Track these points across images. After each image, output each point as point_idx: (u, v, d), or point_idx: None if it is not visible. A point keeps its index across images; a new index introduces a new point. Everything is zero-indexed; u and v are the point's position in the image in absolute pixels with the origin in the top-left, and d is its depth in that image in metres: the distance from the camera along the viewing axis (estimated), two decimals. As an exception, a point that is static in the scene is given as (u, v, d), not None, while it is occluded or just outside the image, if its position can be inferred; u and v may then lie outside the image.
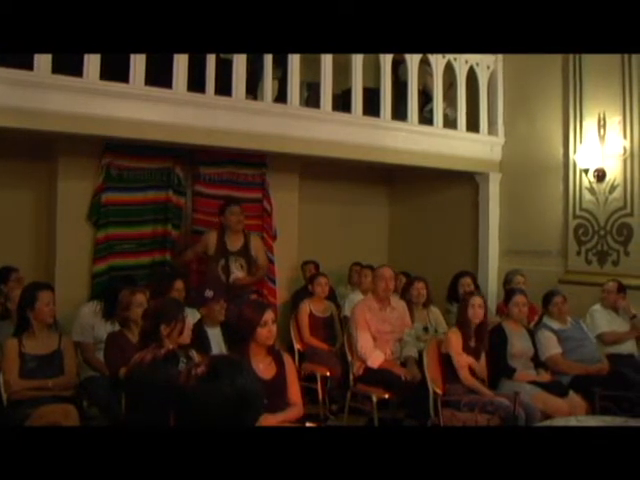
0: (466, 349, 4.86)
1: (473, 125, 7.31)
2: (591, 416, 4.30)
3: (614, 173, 6.41)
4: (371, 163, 7.18)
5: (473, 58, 7.21)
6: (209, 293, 4.81)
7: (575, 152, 6.70)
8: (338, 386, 5.91)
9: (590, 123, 6.57)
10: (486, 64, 7.35)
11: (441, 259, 7.57)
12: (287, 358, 3.89)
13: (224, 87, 5.76)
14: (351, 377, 5.47)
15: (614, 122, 6.38)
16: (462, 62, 7.14)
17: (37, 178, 6.33)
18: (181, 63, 5.49)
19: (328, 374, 5.81)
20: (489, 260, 7.47)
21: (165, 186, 6.70)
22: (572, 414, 4.38)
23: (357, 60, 6.40)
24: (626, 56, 6.22)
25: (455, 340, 4.85)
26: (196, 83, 5.62)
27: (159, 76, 5.43)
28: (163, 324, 3.60)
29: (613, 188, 6.42)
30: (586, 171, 6.58)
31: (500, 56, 7.39)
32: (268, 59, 5.89)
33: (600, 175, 6.48)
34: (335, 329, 6.41)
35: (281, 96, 6.26)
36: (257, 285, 6.82)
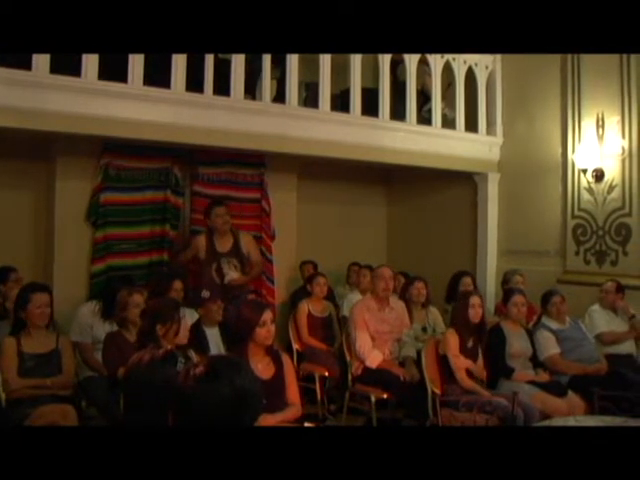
0: (464, 350, 4.86)
1: (472, 125, 7.32)
2: (590, 416, 4.30)
3: (612, 173, 6.42)
4: (370, 163, 7.19)
5: (472, 58, 7.21)
6: (206, 294, 4.81)
7: (573, 152, 6.71)
8: (336, 386, 5.91)
9: (589, 123, 6.57)
10: (485, 64, 7.36)
11: (440, 259, 7.57)
12: (286, 358, 3.89)
13: (222, 87, 5.76)
14: (350, 377, 5.47)
15: (613, 122, 6.39)
16: (461, 62, 7.14)
17: (35, 178, 6.33)
18: (180, 63, 5.49)
19: (326, 374, 5.81)
20: (488, 260, 7.47)
21: (163, 186, 6.70)
22: (571, 414, 4.38)
23: (356, 60, 6.40)
24: (625, 56, 6.23)
25: (452, 342, 4.85)
26: (194, 83, 5.61)
27: (157, 76, 5.43)
28: (159, 324, 3.61)
29: (611, 188, 6.42)
30: (584, 171, 6.59)
31: (499, 56, 7.39)
32: (267, 59, 5.89)
33: (598, 175, 6.49)
34: (334, 329, 6.42)
35: (280, 96, 6.26)
36: (255, 285, 6.83)
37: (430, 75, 7.04)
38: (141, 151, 6.41)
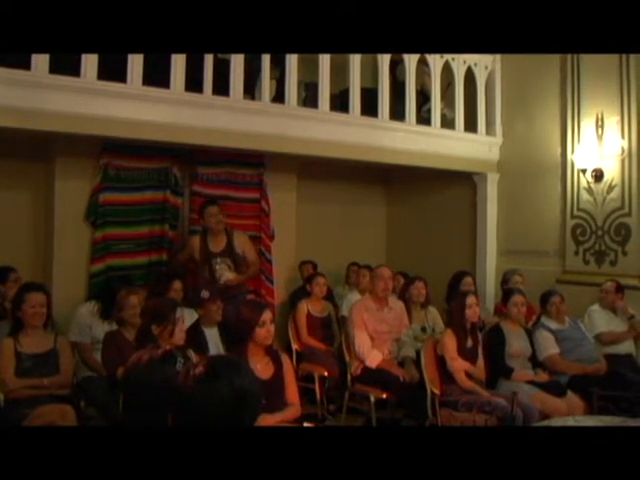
0: (462, 351, 4.86)
1: (471, 125, 7.32)
2: (589, 416, 4.30)
3: (612, 173, 6.42)
4: (369, 163, 7.19)
5: (471, 58, 7.21)
6: (205, 294, 4.81)
7: (573, 152, 6.71)
8: (336, 386, 5.91)
9: (588, 123, 6.57)
10: (484, 64, 7.36)
11: (439, 259, 7.57)
12: (285, 358, 3.88)
13: (222, 87, 5.76)
14: (349, 377, 5.47)
15: (612, 122, 6.39)
16: (460, 62, 7.14)
17: (35, 178, 6.33)
18: (179, 63, 5.49)
19: (326, 374, 5.81)
20: (487, 260, 7.47)
21: (163, 186, 6.70)
22: (570, 414, 4.37)
23: (355, 60, 6.40)
24: (624, 56, 6.23)
25: (450, 344, 4.85)
26: (194, 83, 5.61)
27: (157, 76, 5.43)
28: (154, 324, 3.61)
29: (611, 188, 6.42)
30: (584, 171, 6.59)
31: (498, 56, 7.40)
32: (266, 59, 5.88)
33: (598, 175, 6.49)
34: (333, 329, 6.42)
35: (279, 96, 6.26)
36: (255, 285, 6.84)
37: (429, 75, 7.04)
38: (140, 151, 6.41)
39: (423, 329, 5.74)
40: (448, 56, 7.02)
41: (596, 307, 5.94)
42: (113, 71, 5.21)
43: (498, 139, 7.49)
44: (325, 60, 6.21)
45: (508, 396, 4.46)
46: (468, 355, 4.89)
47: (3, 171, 6.03)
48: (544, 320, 5.46)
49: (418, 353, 5.17)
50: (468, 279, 6.37)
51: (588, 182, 6.58)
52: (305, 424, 3.89)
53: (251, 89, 6.20)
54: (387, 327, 5.52)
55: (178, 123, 5.57)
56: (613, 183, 6.41)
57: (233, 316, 3.87)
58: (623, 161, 6.34)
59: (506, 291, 5.71)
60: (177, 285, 5.29)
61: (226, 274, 5.93)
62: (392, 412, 5.56)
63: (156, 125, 5.49)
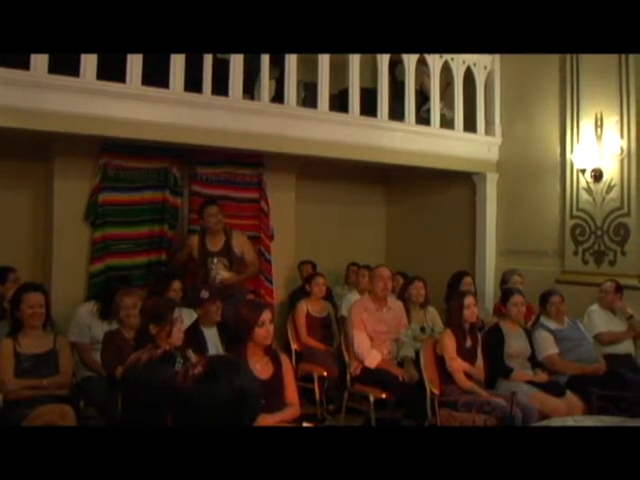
0: (462, 351, 4.87)
1: (470, 125, 7.32)
2: (588, 416, 4.30)
3: (611, 173, 6.42)
4: (368, 163, 7.18)
5: (470, 58, 7.22)
6: (205, 294, 4.80)
7: (572, 152, 6.71)
8: (335, 386, 5.91)
9: (587, 123, 6.57)
10: (483, 64, 7.36)
11: (438, 259, 7.57)
12: (284, 358, 3.88)
13: (221, 87, 5.76)
14: (348, 377, 5.47)
15: (611, 122, 6.39)
16: (459, 62, 7.14)
17: (34, 178, 6.33)
18: (178, 63, 5.49)
19: (325, 374, 5.81)
20: (486, 260, 7.48)
21: (162, 186, 6.70)
22: (569, 414, 4.38)
23: (354, 60, 6.40)
24: (623, 56, 6.23)
25: (449, 344, 4.85)
26: (193, 83, 5.61)
27: (156, 76, 5.42)
28: (152, 324, 3.61)
29: (610, 188, 6.43)
30: (583, 171, 6.59)
31: (497, 56, 7.40)
32: (265, 59, 5.88)
33: (597, 175, 6.49)
34: (332, 329, 6.42)
35: (278, 96, 6.26)
36: (254, 285, 6.83)
37: (429, 75, 7.04)
38: (140, 151, 6.41)
39: (422, 329, 5.74)
40: (447, 56, 7.02)
41: (595, 307, 5.93)
42: (112, 71, 5.21)
43: (497, 139, 7.49)
44: (324, 60, 6.21)
45: (507, 396, 4.46)
46: (467, 355, 4.90)
47: (2, 171, 6.03)
48: (543, 320, 5.46)
49: (417, 353, 5.17)
50: (468, 279, 6.37)
51: (587, 182, 6.58)
52: (304, 424, 3.89)
53: (250, 89, 6.20)
54: (386, 327, 5.52)
55: (177, 123, 5.57)
56: (612, 183, 6.41)
57: (232, 316, 3.87)
58: (622, 161, 6.34)
59: (505, 291, 5.71)
60: (176, 285, 5.29)
61: (221, 273, 5.90)
62: (391, 412, 5.56)
63: (155, 125, 5.48)
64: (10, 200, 6.14)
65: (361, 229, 8.30)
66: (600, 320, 5.83)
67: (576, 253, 6.71)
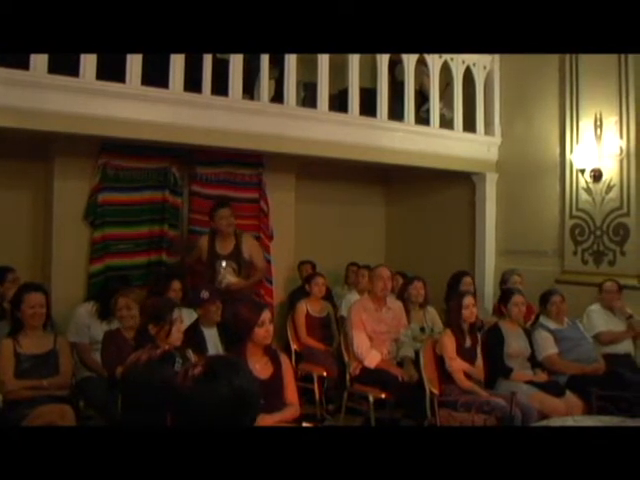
0: (461, 351, 4.87)
1: (470, 125, 7.32)
2: (588, 416, 4.30)
3: (610, 173, 6.42)
4: (368, 163, 7.18)
5: (470, 58, 7.21)
6: (205, 294, 4.80)
7: (572, 152, 6.71)
8: (335, 386, 5.91)
9: (587, 123, 6.57)
10: (483, 64, 7.36)
11: (438, 259, 7.57)
12: (283, 358, 3.88)
13: (221, 87, 5.76)
14: (348, 377, 5.47)
15: (611, 122, 6.38)
16: (459, 62, 7.14)
17: (34, 178, 6.32)
18: (178, 63, 5.49)
19: (325, 374, 5.81)
20: (486, 260, 7.48)
21: (162, 186, 6.69)
22: (569, 414, 4.38)
23: (354, 60, 6.40)
24: (623, 56, 6.23)
25: (449, 344, 4.85)
26: (193, 83, 5.61)
27: (156, 76, 5.42)
28: (151, 324, 3.61)
29: (609, 188, 6.42)
30: (582, 171, 6.59)
31: (497, 56, 7.40)
32: (265, 59, 5.88)
33: (596, 175, 6.48)
34: (332, 329, 6.42)
35: (278, 96, 6.26)
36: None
37: (428, 75, 7.04)
38: (139, 151, 6.40)
39: (422, 329, 5.74)
40: (447, 56, 7.01)
41: (595, 307, 5.93)
42: (112, 71, 5.21)
43: (497, 139, 7.49)
44: (324, 60, 6.21)
45: (507, 396, 4.46)
46: (467, 355, 4.90)
47: (2, 171, 6.02)
48: (543, 320, 5.46)
49: (417, 353, 5.17)
50: (467, 279, 6.37)
51: (587, 182, 6.58)
52: (304, 424, 3.89)
53: (250, 89, 6.19)
54: (385, 327, 5.52)
55: (177, 123, 5.57)
56: (612, 183, 6.41)
57: (232, 316, 3.87)
58: (622, 161, 6.34)
59: (505, 291, 5.71)
60: (176, 285, 5.28)
61: (228, 277, 5.79)
62: (391, 412, 5.56)
63: (155, 125, 5.48)
64: (10, 200, 6.14)
65: (361, 229, 8.29)
66: (600, 320, 5.83)
67: (575, 253, 6.71)
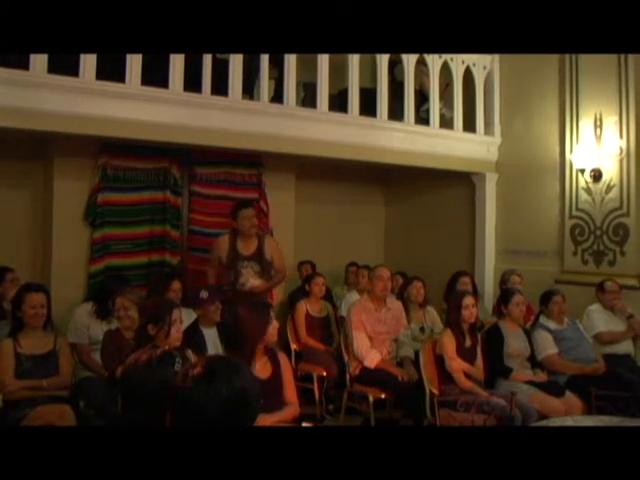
0: (461, 351, 4.87)
1: (469, 125, 7.31)
2: (587, 416, 4.31)
3: (610, 173, 6.42)
4: (367, 163, 7.18)
5: (469, 58, 7.21)
6: (204, 294, 4.79)
7: (571, 152, 6.71)
8: (335, 386, 5.92)
9: (586, 123, 6.57)
10: (482, 64, 7.36)
11: (438, 259, 7.57)
12: (283, 357, 3.88)
13: (220, 87, 5.75)
14: (347, 377, 5.47)
15: (610, 122, 6.38)
16: (459, 62, 7.14)
17: (33, 178, 6.32)
18: (177, 63, 5.49)
19: (324, 374, 5.81)
20: (485, 260, 7.47)
21: (162, 186, 6.69)
22: (568, 414, 4.39)
23: (353, 60, 6.40)
24: (623, 56, 6.23)
25: (448, 344, 4.85)
26: (192, 83, 5.61)
27: (155, 76, 5.42)
28: (150, 324, 3.62)
29: (609, 188, 6.42)
30: (582, 171, 6.59)
31: (497, 56, 7.39)
32: (264, 59, 5.88)
33: (596, 175, 6.48)
34: (331, 329, 6.43)
35: (277, 96, 6.25)
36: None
37: (428, 75, 7.04)
38: (139, 151, 6.41)
39: (422, 329, 5.75)
40: (447, 56, 7.01)
41: (595, 307, 5.93)
42: (111, 71, 5.21)
43: (497, 139, 7.49)
44: (324, 60, 6.21)
45: (507, 396, 4.47)
46: (467, 355, 4.90)
47: (2, 171, 6.02)
48: (543, 320, 5.46)
49: (417, 353, 5.17)
50: (465, 278, 6.36)
51: (587, 182, 6.58)
52: (304, 424, 3.88)
53: (250, 89, 6.19)
54: (385, 327, 5.52)
55: (177, 123, 5.56)
56: (611, 183, 6.41)
57: (242, 320, 3.79)
58: (621, 161, 6.34)
59: (505, 291, 5.71)
60: (176, 285, 5.27)
61: (251, 280, 5.66)
62: (391, 412, 5.57)
63: (154, 125, 5.48)
64: (9, 200, 6.14)
65: (360, 229, 8.29)
66: (600, 320, 5.83)
67: (575, 253, 6.70)
